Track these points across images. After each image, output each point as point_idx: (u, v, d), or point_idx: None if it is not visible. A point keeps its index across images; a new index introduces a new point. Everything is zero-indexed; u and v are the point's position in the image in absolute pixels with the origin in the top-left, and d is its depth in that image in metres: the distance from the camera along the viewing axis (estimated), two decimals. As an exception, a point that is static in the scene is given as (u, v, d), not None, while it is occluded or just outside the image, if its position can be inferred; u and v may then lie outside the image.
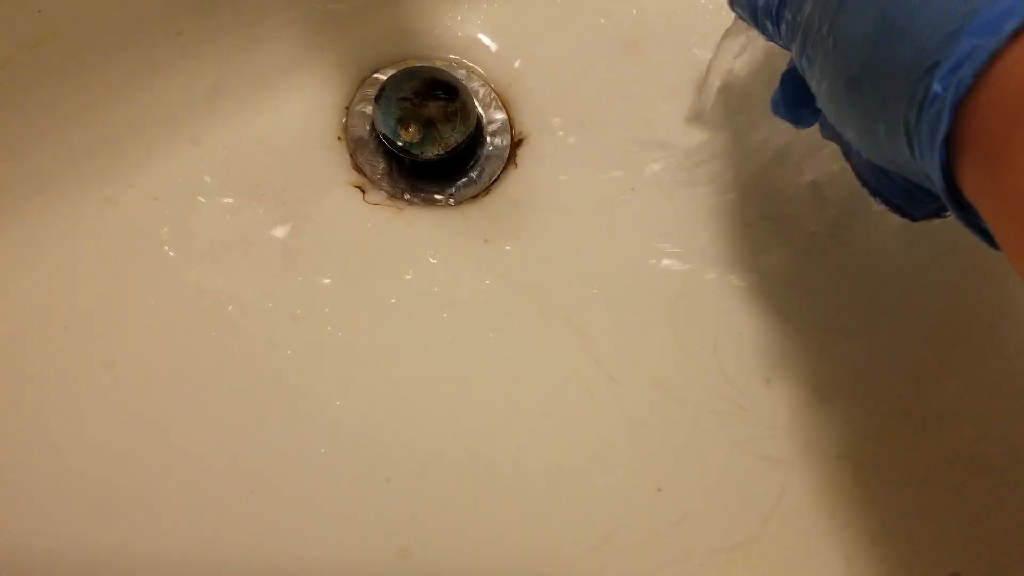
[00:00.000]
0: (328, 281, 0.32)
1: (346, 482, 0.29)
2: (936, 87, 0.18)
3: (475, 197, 0.34)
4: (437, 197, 0.34)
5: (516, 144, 0.35)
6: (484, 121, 0.34)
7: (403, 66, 0.34)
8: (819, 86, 0.23)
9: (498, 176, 0.34)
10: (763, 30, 0.26)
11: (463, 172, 0.34)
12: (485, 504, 0.29)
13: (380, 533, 0.29)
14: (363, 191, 0.33)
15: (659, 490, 0.30)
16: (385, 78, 0.33)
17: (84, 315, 0.30)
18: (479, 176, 0.34)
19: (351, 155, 0.34)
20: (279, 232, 0.32)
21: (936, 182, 0.19)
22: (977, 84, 0.17)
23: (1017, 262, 0.18)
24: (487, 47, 0.35)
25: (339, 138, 0.34)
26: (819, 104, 0.24)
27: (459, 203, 0.34)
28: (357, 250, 0.32)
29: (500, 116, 0.35)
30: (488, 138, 0.35)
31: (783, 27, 0.25)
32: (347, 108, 0.34)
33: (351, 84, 0.34)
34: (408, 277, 0.32)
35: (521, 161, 0.34)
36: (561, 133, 0.34)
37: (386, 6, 0.34)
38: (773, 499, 0.30)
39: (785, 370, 0.31)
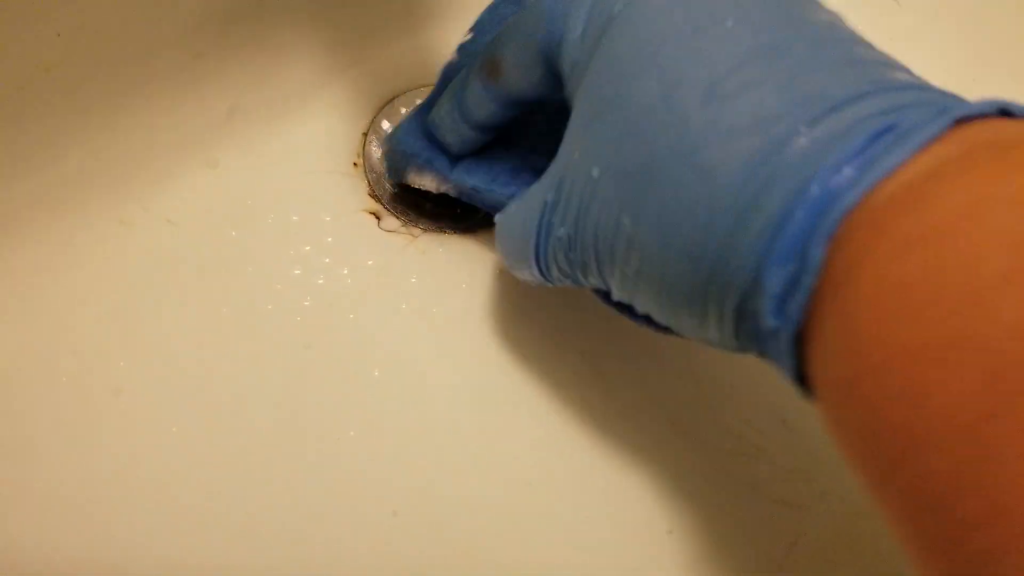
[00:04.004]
0: (340, 309, 0.31)
1: (351, 514, 0.29)
2: (769, 320, 0.18)
3: (491, 224, 0.33)
4: (452, 225, 0.33)
5: (533, 173, 0.34)
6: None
7: (422, 93, 0.34)
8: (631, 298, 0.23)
9: (514, 205, 0.34)
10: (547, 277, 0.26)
11: (479, 200, 0.34)
12: (491, 542, 0.29)
13: (385, 567, 0.28)
14: (378, 218, 0.33)
15: (670, 532, 0.29)
16: (404, 105, 0.33)
17: (93, 339, 0.29)
18: (495, 205, 0.34)
19: (367, 181, 0.33)
20: (293, 258, 0.32)
21: (792, 383, 0.19)
22: (805, 314, 0.17)
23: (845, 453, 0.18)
24: (506, 74, 0.34)
25: (355, 164, 0.34)
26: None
27: (475, 231, 0.33)
28: (371, 278, 0.32)
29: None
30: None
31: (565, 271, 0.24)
32: (364, 134, 0.34)
33: (369, 110, 0.34)
34: (421, 306, 0.32)
35: (538, 190, 0.34)
36: (579, 163, 0.34)
37: (405, 33, 0.34)
38: (787, 545, 0.29)
39: (803, 411, 0.31)
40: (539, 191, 0.24)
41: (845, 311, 0.16)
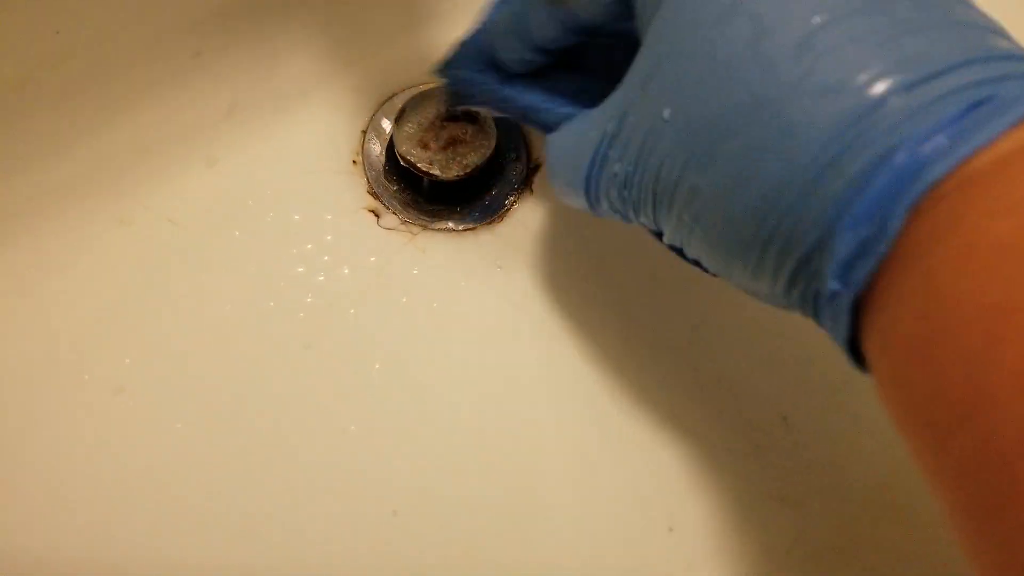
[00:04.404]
0: (340, 307, 0.31)
1: (351, 513, 0.29)
2: (833, 284, 0.18)
3: (490, 223, 0.33)
4: (451, 223, 0.33)
5: (533, 170, 0.34)
6: (502, 146, 0.34)
7: (421, 90, 0.34)
8: (687, 242, 0.22)
9: (513, 202, 0.34)
10: (595, 206, 0.25)
11: (478, 198, 0.34)
12: (492, 541, 0.29)
13: (385, 567, 0.28)
14: (377, 216, 0.33)
15: (671, 530, 0.29)
16: (403, 102, 0.33)
17: (94, 338, 0.29)
18: (494, 202, 0.34)
19: (367, 179, 0.33)
20: (292, 256, 0.32)
21: (842, 347, 0.19)
22: (869, 280, 0.17)
23: (900, 429, 0.18)
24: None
25: (355, 161, 0.33)
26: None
27: (473, 229, 0.33)
28: (371, 276, 0.32)
29: (518, 141, 0.35)
30: (504, 164, 0.34)
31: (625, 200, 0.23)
32: (364, 132, 0.34)
33: (368, 107, 0.34)
34: (420, 303, 0.32)
35: (537, 187, 0.34)
36: (579, 160, 0.34)
37: (404, 31, 0.34)
38: (788, 542, 0.29)
39: (803, 409, 0.31)
40: (599, 119, 0.23)
41: (927, 273, 0.16)
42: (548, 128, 0.28)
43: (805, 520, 0.29)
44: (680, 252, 0.23)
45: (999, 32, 0.19)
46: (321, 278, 0.32)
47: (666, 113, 0.20)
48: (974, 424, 0.15)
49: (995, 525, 0.15)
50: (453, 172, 0.32)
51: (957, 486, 0.16)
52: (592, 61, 0.28)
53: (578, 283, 0.33)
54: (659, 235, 0.24)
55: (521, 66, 0.27)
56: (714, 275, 0.22)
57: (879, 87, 0.17)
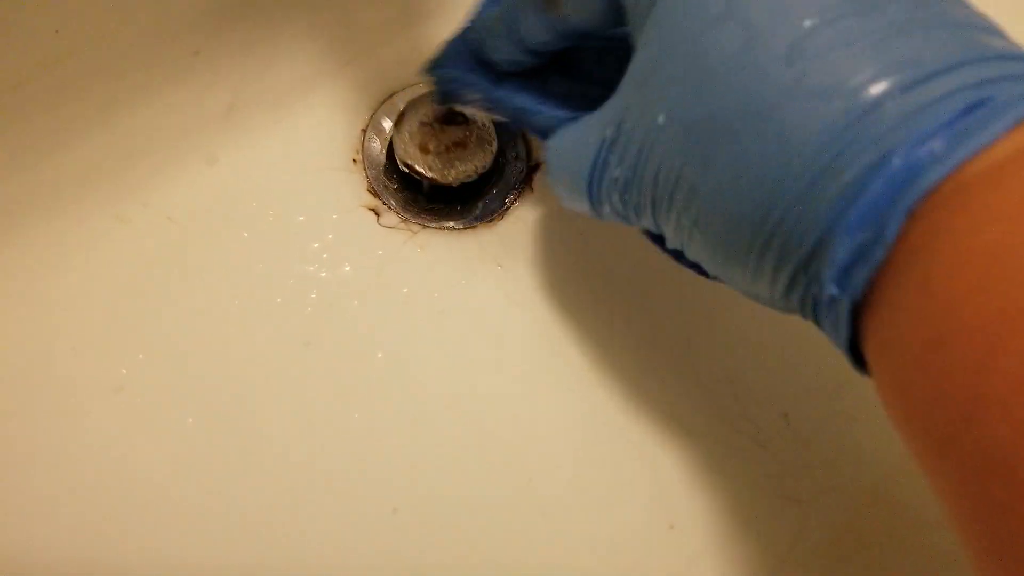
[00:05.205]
0: (340, 306, 0.31)
1: (352, 512, 0.28)
2: (831, 289, 0.18)
3: (490, 221, 0.33)
4: (451, 221, 0.33)
5: (533, 169, 0.34)
6: (502, 146, 0.34)
7: (421, 89, 0.34)
8: (687, 245, 0.22)
9: (513, 201, 0.34)
10: (597, 209, 0.25)
11: (478, 196, 0.34)
12: (492, 539, 0.29)
13: (385, 565, 0.28)
14: (377, 214, 0.33)
15: (672, 527, 0.29)
16: (402, 101, 0.33)
17: (93, 336, 0.29)
18: (494, 200, 0.34)
19: (367, 177, 0.33)
20: (292, 254, 0.32)
21: (843, 351, 0.19)
22: (868, 285, 0.17)
23: (898, 428, 0.18)
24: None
25: (354, 160, 0.33)
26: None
27: (474, 227, 0.33)
28: (371, 274, 0.32)
29: (517, 140, 0.35)
30: (505, 163, 0.34)
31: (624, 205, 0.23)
32: (363, 130, 0.34)
33: (368, 106, 0.34)
34: (421, 301, 0.32)
35: (537, 186, 0.34)
36: (579, 158, 0.34)
37: (404, 29, 0.34)
38: (789, 540, 0.29)
39: (805, 406, 0.31)
40: (596, 124, 0.23)
41: (925, 278, 0.16)
42: (539, 131, 0.28)
43: (806, 518, 0.29)
44: (681, 256, 0.23)
45: (994, 31, 0.19)
46: (322, 275, 0.32)
47: (661, 119, 0.20)
48: (975, 429, 0.15)
49: (998, 529, 0.15)
50: (452, 177, 0.32)
51: (959, 490, 0.16)
52: (585, 64, 0.28)
53: (578, 281, 0.33)
54: (661, 240, 0.24)
55: (512, 66, 0.27)
56: (714, 279, 0.22)
57: (873, 90, 0.17)
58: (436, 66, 0.29)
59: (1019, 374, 0.14)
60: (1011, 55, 0.18)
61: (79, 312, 0.30)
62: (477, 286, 0.32)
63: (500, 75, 0.28)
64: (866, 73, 0.17)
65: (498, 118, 0.29)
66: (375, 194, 0.33)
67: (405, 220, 0.33)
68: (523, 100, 0.28)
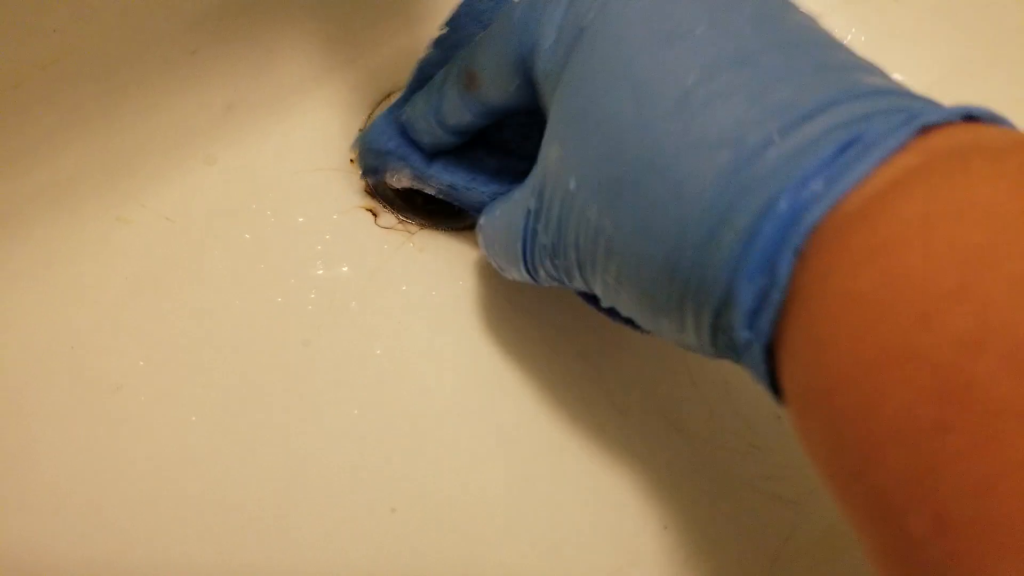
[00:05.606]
0: (338, 306, 0.31)
1: (350, 511, 0.29)
2: (743, 334, 0.18)
3: (488, 222, 0.34)
4: (449, 222, 0.33)
5: (530, 170, 0.34)
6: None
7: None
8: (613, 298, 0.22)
9: (511, 202, 0.34)
10: (533, 275, 0.26)
11: (476, 197, 0.34)
12: (488, 538, 0.29)
13: (383, 564, 0.28)
14: (375, 215, 0.33)
15: (665, 528, 0.29)
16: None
17: (91, 336, 0.30)
18: (492, 201, 0.34)
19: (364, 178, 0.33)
20: (290, 254, 0.32)
21: (767, 390, 0.19)
22: (775, 327, 0.17)
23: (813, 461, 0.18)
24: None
25: (352, 161, 0.34)
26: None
27: (471, 228, 0.33)
28: (368, 274, 0.32)
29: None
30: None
31: (553, 271, 0.24)
32: (361, 130, 0.34)
33: (365, 107, 0.34)
34: (419, 301, 0.32)
35: (535, 187, 0.34)
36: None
37: (401, 30, 0.34)
38: (782, 539, 0.29)
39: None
40: (522, 197, 0.24)
41: (809, 325, 0.16)
42: (471, 206, 0.29)
43: (799, 517, 0.30)
44: (616, 314, 0.24)
45: (874, 71, 0.19)
46: (319, 275, 0.32)
47: (572, 184, 0.21)
48: (868, 477, 0.15)
49: (901, 572, 0.15)
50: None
51: (865, 530, 0.16)
52: (512, 140, 0.30)
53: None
54: (596, 300, 0.24)
55: (439, 148, 0.29)
56: (648, 333, 0.23)
57: (755, 136, 0.17)
58: (367, 142, 0.30)
59: (898, 422, 0.14)
60: (885, 90, 0.18)
61: (78, 311, 0.30)
62: (476, 286, 0.32)
63: (430, 154, 0.29)
64: (747, 121, 0.18)
65: (430, 192, 0.30)
66: (372, 195, 0.33)
67: (403, 221, 0.33)
68: (454, 177, 0.29)
